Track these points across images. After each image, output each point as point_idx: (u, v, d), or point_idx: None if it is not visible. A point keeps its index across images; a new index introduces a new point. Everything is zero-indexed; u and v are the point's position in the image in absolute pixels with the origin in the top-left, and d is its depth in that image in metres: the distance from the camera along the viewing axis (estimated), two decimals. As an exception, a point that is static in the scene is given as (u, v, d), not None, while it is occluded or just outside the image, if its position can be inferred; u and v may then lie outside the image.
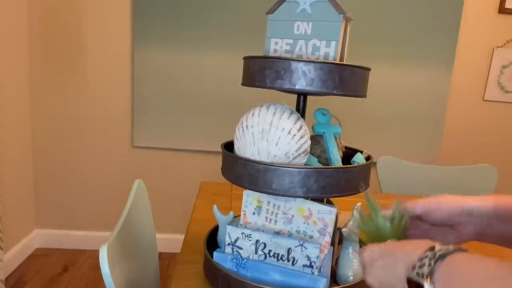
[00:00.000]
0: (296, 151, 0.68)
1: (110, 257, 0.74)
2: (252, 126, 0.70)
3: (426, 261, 0.40)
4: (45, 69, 2.13)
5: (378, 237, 0.54)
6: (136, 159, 2.28)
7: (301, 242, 0.71)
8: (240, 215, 0.80)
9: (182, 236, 2.32)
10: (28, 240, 2.21)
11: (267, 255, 0.74)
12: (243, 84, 0.75)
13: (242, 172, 0.69)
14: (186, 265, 0.88)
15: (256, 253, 0.75)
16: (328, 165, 0.77)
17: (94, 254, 2.29)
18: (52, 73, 2.14)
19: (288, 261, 0.72)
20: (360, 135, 2.26)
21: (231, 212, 0.85)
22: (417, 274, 0.41)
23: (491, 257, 0.38)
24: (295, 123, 0.69)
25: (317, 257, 0.71)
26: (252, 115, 0.71)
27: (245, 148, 0.71)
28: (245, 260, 0.75)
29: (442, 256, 0.40)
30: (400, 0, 2.11)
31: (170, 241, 2.34)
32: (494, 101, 2.31)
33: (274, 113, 0.69)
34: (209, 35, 2.11)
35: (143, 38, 2.10)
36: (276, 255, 0.73)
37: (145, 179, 2.27)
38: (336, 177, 0.67)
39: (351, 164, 0.79)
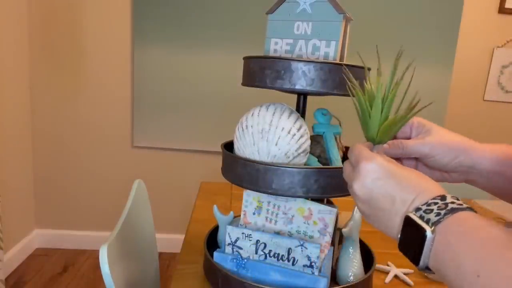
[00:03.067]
0: (296, 150, 0.68)
1: (110, 257, 0.74)
2: (252, 126, 0.70)
3: (435, 208, 0.37)
4: (45, 69, 2.13)
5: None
6: (136, 159, 2.28)
7: (301, 242, 0.71)
8: (240, 215, 0.80)
9: (182, 236, 2.32)
10: (28, 240, 2.21)
11: (267, 255, 0.74)
12: (243, 84, 0.75)
13: (242, 172, 0.69)
14: (186, 265, 0.88)
15: (256, 253, 0.75)
16: (328, 165, 0.77)
17: (94, 254, 2.29)
18: (52, 73, 2.14)
19: (289, 261, 0.72)
20: (360, 135, 2.25)
21: (231, 212, 0.85)
22: (420, 217, 0.38)
23: (500, 225, 0.35)
24: (294, 123, 0.69)
25: (318, 257, 0.71)
26: (252, 115, 0.71)
27: (245, 148, 0.71)
28: (245, 260, 0.75)
29: (454, 210, 0.36)
30: (400, 0, 2.11)
31: (170, 241, 2.34)
32: (494, 101, 2.31)
33: (274, 113, 0.69)
34: (209, 35, 2.11)
35: (143, 38, 2.10)
36: (276, 255, 0.73)
37: (145, 179, 2.26)
38: (336, 177, 0.67)
39: (351, 164, 0.79)
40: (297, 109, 0.78)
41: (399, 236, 0.41)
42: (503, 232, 0.33)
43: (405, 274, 0.91)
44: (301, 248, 0.71)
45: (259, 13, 2.07)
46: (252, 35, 2.10)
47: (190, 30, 2.10)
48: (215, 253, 0.77)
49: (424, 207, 0.38)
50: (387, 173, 0.43)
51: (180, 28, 2.10)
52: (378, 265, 0.92)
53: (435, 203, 0.38)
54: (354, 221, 0.78)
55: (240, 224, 0.79)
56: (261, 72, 0.68)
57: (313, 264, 0.71)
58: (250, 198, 0.78)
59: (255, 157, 0.69)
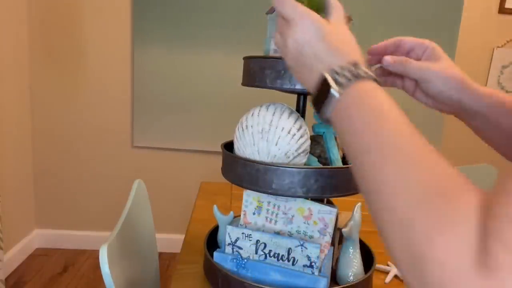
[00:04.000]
0: (296, 150, 0.68)
1: (110, 257, 0.74)
2: (252, 126, 0.70)
3: (347, 73, 0.42)
4: (45, 69, 2.13)
5: None
6: (136, 159, 2.28)
7: (302, 242, 0.71)
8: (240, 215, 0.80)
9: (182, 236, 2.32)
10: (28, 240, 2.21)
11: (267, 255, 0.74)
12: (243, 84, 0.75)
13: (242, 172, 0.69)
14: (186, 265, 0.88)
15: (256, 253, 0.75)
16: (328, 165, 0.77)
17: (94, 254, 2.29)
18: (52, 73, 2.14)
19: (289, 261, 0.72)
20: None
21: (231, 212, 0.85)
22: (333, 78, 0.42)
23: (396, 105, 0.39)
24: (294, 123, 0.69)
25: (318, 257, 0.71)
26: (252, 115, 0.71)
27: (245, 148, 0.71)
28: (245, 260, 0.75)
29: (361, 77, 0.41)
30: (400, 0, 2.11)
31: (170, 241, 2.34)
32: (494, 101, 2.31)
33: (274, 113, 0.69)
34: (209, 35, 2.11)
35: (143, 38, 2.10)
36: (276, 255, 0.73)
37: (145, 179, 2.27)
38: (336, 177, 0.67)
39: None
40: (297, 109, 0.78)
41: (314, 87, 0.45)
42: (405, 117, 0.37)
43: (405, 274, 0.91)
44: (301, 248, 0.71)
45: (259, 13, 2.07)
46: (252, 35, 2.10)
47: (190, 30, 2.10)
48: (215, 253, 0.77)
49: (339, 70, 0.42)
50: (319, 32, 0.46)
51: (180, 28, 2.10)
52: (378, 265, 0.92)
53: (349, 69, 0.42)
54: (354, 221, 0.78)
55: (240, 224, 0.79)
56: (261, 72, 0.68)
57: (313, 264, 0.71)
58: (250, 198, 0.78)
59: (255, 157, 0.69)
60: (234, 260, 0.75)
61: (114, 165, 2.28)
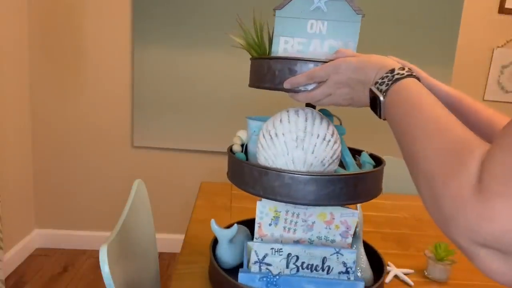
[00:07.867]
0: (331, 157, 0.66)
1: (110, 257, 0.74)
2: (283, 134, 0.66)
3: (386, 80, 0.53)
4: (45, 69, 2.12)
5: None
6: (136, 159, 2.27)
7: (337, 249, 0.69)
8: (237, 222, 0.78)
9: (182, 236, 2.32)
10: (28, 240, 2.20)
11: (300, 267, 0.71)
12: (251, 85, 0.72)
13: (274, 184, 0.65)
14: (186, 265, 0.87)
15: (287, 267, 0.71)
16: (343, 168, 0.75)
17: (94, 254, 2.28)
18: (52, 73, 2.13)
19: (323, 270, 0.70)
20: (360, 135, 2.26)
21: (235, 225, 0.79)
22: (378, 88, 0.54)
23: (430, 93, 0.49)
24: (328, 129, 0.66)
25: (354, 262, 0.69)
26: (281, 121, 0.67)
27: (276, 157, 0.66)
28: (277, 277, 0.70)
29: (397, 80, 0.52)
30: (400, 0, 2.11)
31: (170, 241, 2.34)
32: (494, 101, 2.32)
33: (306, 119, 0.66)
34: (209, 35, 2.10)
35: (143, 38, 2.09)
36: (309, 266, 0.71)
37: (145, 179, 2.26)
38: (364, 182, 0.66)
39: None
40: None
41: (369, 101, 0.57)
42: (432, 98, 0.47)
43: (405, 274, 0.90)
44: (337, 255, 0.69)
45: (260, 13, 2.07)
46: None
47: (190, 30, 2.09)
48: (241, 274, 0.71)
49: (379, 81, 0.54)
50: (350, 67, 0.59)
51: (180, 28, 2.09)
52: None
53: (386, 76, 0.53)
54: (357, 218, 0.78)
55: (256, 238, 0.76)
56: (271, 73, 0.66)
57: (349, 270, 0.70)
58: (265, 209, 0.74)
59: (289, 166, 0.65)
60: (264, 279, 0.70)
61: (114, 165, 2.27)
